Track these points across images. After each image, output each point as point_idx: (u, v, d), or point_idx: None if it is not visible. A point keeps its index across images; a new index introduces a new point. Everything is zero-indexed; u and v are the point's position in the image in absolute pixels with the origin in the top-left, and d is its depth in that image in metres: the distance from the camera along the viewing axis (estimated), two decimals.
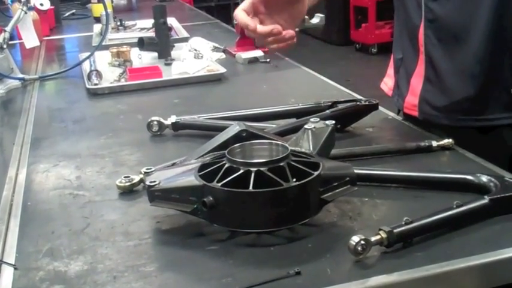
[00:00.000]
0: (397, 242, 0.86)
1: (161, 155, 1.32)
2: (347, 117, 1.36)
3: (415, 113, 1.38)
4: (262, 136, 1.13)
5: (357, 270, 0.83)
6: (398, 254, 0.86)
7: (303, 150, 1.04)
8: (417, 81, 1.36)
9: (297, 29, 2.24)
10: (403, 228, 0.87)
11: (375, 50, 6.67)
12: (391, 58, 1.51)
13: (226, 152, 0.98)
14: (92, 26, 2.91)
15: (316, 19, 2.27)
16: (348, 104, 1.38)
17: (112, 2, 3.22)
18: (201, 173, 0.95)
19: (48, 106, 1.80)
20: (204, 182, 0.92)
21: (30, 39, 2.27)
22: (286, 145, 1.01)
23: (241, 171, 0.92)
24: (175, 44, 2.28)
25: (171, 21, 2.77)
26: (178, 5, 3.95)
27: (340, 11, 7.08)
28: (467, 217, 0.93)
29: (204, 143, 1.17)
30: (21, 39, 2.35)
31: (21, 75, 2.04)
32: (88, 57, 2.07)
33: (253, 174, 0.91)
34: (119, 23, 2.88)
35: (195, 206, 0.92)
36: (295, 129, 1.21)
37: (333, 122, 1.13)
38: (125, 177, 1.12)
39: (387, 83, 1.53)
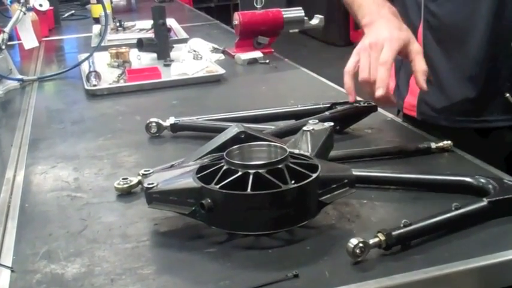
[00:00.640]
0: (396, 244, 0.86)
1: (159, 156, 1.32)
2: (346, 118, 1.35)
3: (414, 114, 1.38)
4: (260, 138, 1.12)
5: (355, 272, 0.83)
6: (397, 257, 0.86)
7: (302, 152, 1.04)
8: None
9: (296, 30, 2.25)
10: (401, 230, 0.87)
11: None
12: None
13: (224, 153, 0.97)
14: (91, 27, 2.90)
15: (316, 20, 2.28)
16: (347, 106, 1.38)
17: (111, 2, 3.21)
18: (199, 175, 0.94)
19: (47, 107, 1.80)
20: (202, 184, 0.91)
21: (29, 40, 2.26)
22: (285, 147, 1.00)
23: (240, 173, 0.92)
24: (174, 45, 2.28)
25: (171, 22, 2.77)
26: (178, 6, 3.95)
27: (339, 11, 7.08)
28: (466, 219, 0.93)
29: (203, 144, 1.17)
30: (20, 40, 2.34)
31: (19, 76, 2.04)
32: (87, 58, 2.06)
33: (251, 176, 0.91)
34: (118, 24, 2.87)
35: (193, 208, 0.92)
36: (293, 131, 1.20)
37: (332, 123, 1.13)
38: (123, 179, 1.12)
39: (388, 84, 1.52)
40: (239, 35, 2.20)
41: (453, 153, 1.22)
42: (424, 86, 1.15)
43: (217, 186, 0.90)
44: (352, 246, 0.83)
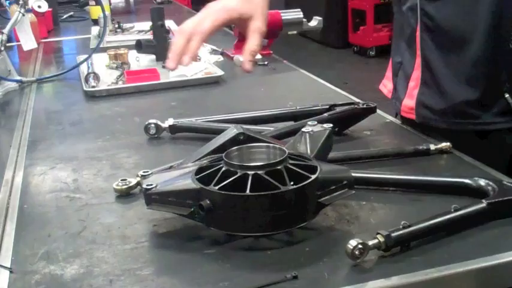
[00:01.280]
0: (395, 246, 0.86)
1: (158, 157, 1.31)
2: (345, 120, 1.35)
3: (412, 116, 1.38)
4: (259, 139, 1.12)
5: (355, 274, 0.83)
6: (396, 258, 0.86)
7: (301, 153, 1.04)
8: (414, 85, 1.36)
9: (295, 32, 2.25)
10: (400, 232, 0.86)
11: (372, 53, 6.69)
12: (389, 60, 1.50)
13: (223, 155, 0.97)
14: (90, 29, 2.90)
15: (314, 22, 2.28)
16: (346, 107, 1.38)
17: (110, 4, 3.21)
18: (198, 176, 0.94)
19: (46, 108, 1.79)
20: (201, 185, 0.91)
21: (27, 41, 2.26)
22: (284, 148, 1.00)
23: (239, 174, 0.92)
24: None
25: (169, 23, 2.77)
26: (177, 7, 3.95)
27: (338, 14, 7.09)
28: (465, 221, 0.92)
29: (202, 146, 1.17)
30: (18, 41, 2.34)
31: (18, 78, 2.04)
32: (86, 60, 2.06)
33: (250, 178, 0.90)
34: (116, 26, 2.87)
35: (192, 209, 0.92)
36: (292, 132, 1.20)
37: (331, 125, 1.13)
38: (121, 180, 1.12)
39: (386, 85, 1.53)
40: (238, 36, 2.19)
41: (452, 155, 1.22)
42: (248, 66, 1.15)
43: (216, 188, 0.90)
44: (352, 247, 0.83)
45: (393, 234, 0.86)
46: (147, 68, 2.08)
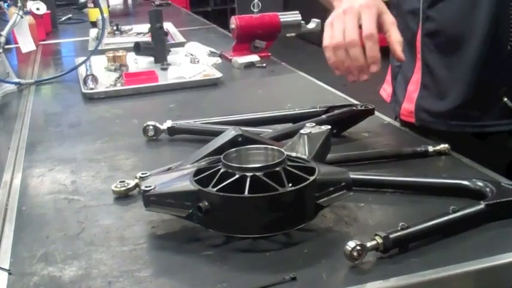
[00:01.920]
0: (393, 247, 0.86)
1: (157, 159, 1.31)
2: (343, 122, 1.36)
3: (412, 120, 1.38)
4: (258, 141, 1.12)
5: (353, 275, 0.83)
6: (394, 260, 0.86)
7: (299, 155, 1.04)
8: (413, 88, 1.36)
9: (293, 34, 2.25)
10: (399, 233, 0.87)
11: None
12: (390, 64, 1.50)
13: (221, 156, 0.97)
14: (88, 31, 2.90)
15: (312, 24, 2.28)
16: (344, 109, 1.38)
17: (108, 6, 3.22)
18: (196, 178, 0.94)
19: (44, 110, 1.79)
20: (200, 187, 0.91)
21: (26, 43, 2.26)
22: (282, 150, 1.00)
23: (237, 176, 0.92)
24: (171, 49, 2.28)
25: (168, 26, 2.77)
26: (175, 9, 3.95)
27: None
28: (464, 222, 0.93)
29: (200, 147, 1.17)
30: (17, 43, 2.34)
31: (17, 80, 2.04)
32: (84, 62, 2.06)
33: (248, 179, 0.91)
34: (115, 28, 2.88)
35: (191, 211, 0.92)
36: (291, 134, 1.20)
37: (329, 127, 1.13)
38: (120, 181, 1.12)
39: (386, 90, 1.53)
40: (236, 38, 2.20)
41: (450, 157, 1.22)
42: (402, 56, 1.12)
43: (215, 189, 0.90)
44: (350, 249, 0.83)
45: (391, 236, 0.86)
46: (146, 70, 2.08)
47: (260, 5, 2.13)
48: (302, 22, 2.23)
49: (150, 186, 0.95)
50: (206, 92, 1.86)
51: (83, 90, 1.84)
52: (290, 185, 0.91)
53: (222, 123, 1.39)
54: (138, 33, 2.83)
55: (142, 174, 1.07)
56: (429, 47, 1.31)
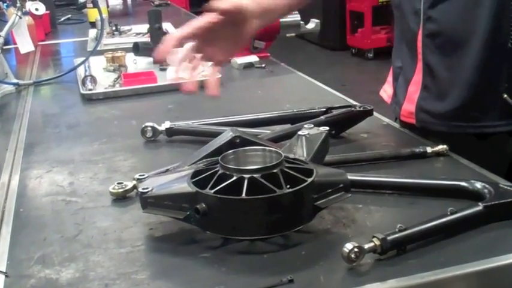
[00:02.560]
0: (391, 249, 0.86)
1: (155, 161, 1.31)
2: (341, 123, 1.35)
3: (412, 121, 1.37)
4: (255, 142, 1.12)
5: (351, 277, 0.83)
6: (392, 262, 0.86)
7: (297, 156, 1.04)
8: (414, 89, 1.36)
9: (293, 34, 2.24)
10: (396, 235, 0.86)
11: (371, 55, 6.69)
12: (391, 66, 1.50)
13: (219, 158, 0.97)
14: (87, 31, 2.90)
15: (312, 24, 2.28)
16: (343, 110, 1.38)
17: (108, 7, 3.22)
18: (194, 180, 0.94)
19: (42, 111, 1.79)
20: (197, 189, 0.91)
21: (24, 44, 2.26)
22: (280, 151, 1.00)
23: (235, 178, 0.92)
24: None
25: (167, 26, 2.77)
26: (174, 10, 3.95)
27: (336, 16, 7.09)
28: (462, 224, 0.92)
29: (198, 149, 1.16)
30: (16, 44, 2.34)
31: (15, 80, 2.04)
32: (83, 63, 2.06)
33: (246, 181, 0.90)
34: (114, 28, 2.88)
35: (188, 212, 0.92)
36: (289, 135, 1.20)
37: (327, 128, 1.13)
38: (118, 183, 1.12)
39: (387, 91, 1.52)
40: None
41: (449, 158, 1.22)
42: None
43: (212, 191, 0.90)
44: (347, 251, 0.83)
45: (389, 238, 0.85)
46: (145, 70, 2.08)
47: None
48: (301, 22, 2.23)
49: (147, 188, 0.95)
50: (205, 92, 1.85)
51: (82, 91, 1.84)
52: (288, 186, 0.91)
53: (220, 124, 1.38)
54: (137, 34, 2.83)
55: (140, 175, 1.06)
56: (430, 48, 1.30)
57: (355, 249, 0.83)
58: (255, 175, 0.91)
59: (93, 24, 2.97)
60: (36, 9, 2.41)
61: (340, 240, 0.90)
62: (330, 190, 0.94)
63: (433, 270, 0.83)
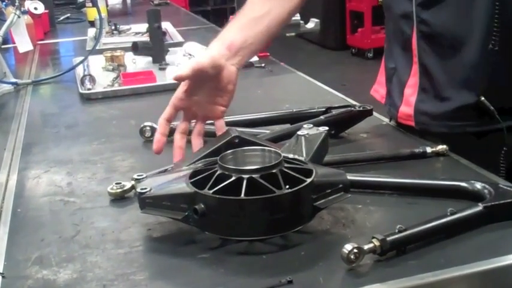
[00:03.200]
0: (391, 250, 0.85)
1: (154, 161, 1.30)
2: (341, 123, 1.35)
3: (411, 123, 1.36)
4: (254, 142, 1.12)
5: (350, 278, 0.82)
6: (392, 262, 0.85)
7: (296, 156, 1.03)
8: (411, 92, 1.35)
9: (292, 34, 2.24)
10: (396, 236, 0.86)
11: (370, 55, 6.69)
12: (381, 65, 1.49)
13: (218, 158, 0.97)
14: (86, 30, 2.90)
15: (311, 24, 2.28)
16: (342, 110, 1.37)
17: (107, 6, 3.21)
18: (192, 180, 0.94)
19: (41, 111, 1.79)
20: (196, 189, 0.91)
21: (23, 43, 2.26)
22: (279, 152, 1.00)
23: (233, 178, 0.91)
24: (169, 49, 2.27)
25: (166, 25, 2.77)
26: (174, 9, 3.94)
27: (336, 15, 7.10)
28: (462, 225, 0.92)
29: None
30: (14, 43, 2.34)
31: (14, 80, 2.03)
32: (81, 62, 2.06)
33: (245, 181, 0.90)
34: (113, 27, 2.87)
35: (187, 213, 0.91)
36: (289, 135, 1.19)
37: (327, 128, 1.12)
38: (116, 183, 1.11)
39: (378, 91, 1.51)
40: None
41: (449, 158, 1.21)
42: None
43: (211, 192, 0.89)
44: (347, 251, 0.83)
45: (389, 238, 0.85)
46: (144, 70, 2.07)
47: None
48: (301, 22, 2.23)
49: (146, 188, 0.95)
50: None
51: (81, 91, 1.83)
52: (287, 187, 0.91)
53: None
54: (137, 33, 2.82)
55: (138, 176, 1.06)
56: (426, 50, 1.29)
57: (355, 250, 0.83)
58: (254, 175, 0.91)
59: (92, 24, 2.96)
60: (35, 8, 2.41)
61: (339, 240, 0.90)
62: (329, 190, 0.94)
63: (433, 271, 0.83)
